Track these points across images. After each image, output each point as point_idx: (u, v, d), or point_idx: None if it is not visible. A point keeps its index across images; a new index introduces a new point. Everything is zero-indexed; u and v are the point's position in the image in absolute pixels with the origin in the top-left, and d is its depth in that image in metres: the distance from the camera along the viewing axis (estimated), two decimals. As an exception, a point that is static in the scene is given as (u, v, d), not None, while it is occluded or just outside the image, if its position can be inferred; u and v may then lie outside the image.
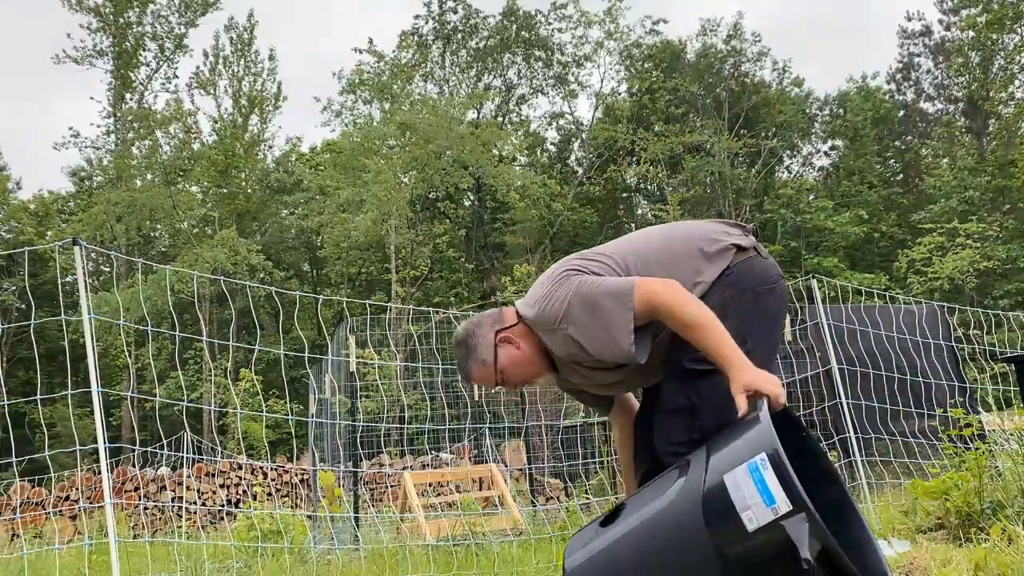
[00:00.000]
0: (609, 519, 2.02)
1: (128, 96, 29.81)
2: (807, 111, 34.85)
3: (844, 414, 5.48)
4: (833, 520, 1.84)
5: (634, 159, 32.81)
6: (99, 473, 8.55)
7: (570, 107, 35.59)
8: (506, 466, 11.01)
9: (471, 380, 2.46)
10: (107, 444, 3.87)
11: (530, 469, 8.90)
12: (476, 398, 10.42)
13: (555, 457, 10.78)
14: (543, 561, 4.66)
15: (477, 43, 32.64)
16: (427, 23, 31.91)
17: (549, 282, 2.33)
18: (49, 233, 32.19)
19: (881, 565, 1.86)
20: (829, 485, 2.00)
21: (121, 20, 29.00)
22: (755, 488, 1.67)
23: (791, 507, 1.62)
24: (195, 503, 10.31)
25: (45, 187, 41.56)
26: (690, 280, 2.24)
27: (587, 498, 6.93)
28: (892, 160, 35.21)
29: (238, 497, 11.66)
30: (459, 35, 32.32)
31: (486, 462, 10.22)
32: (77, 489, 10.87)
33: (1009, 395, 6.73)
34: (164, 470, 12.17)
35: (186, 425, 11.86)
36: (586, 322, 2.18)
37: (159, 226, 31.41)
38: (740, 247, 2.35)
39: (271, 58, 32.07)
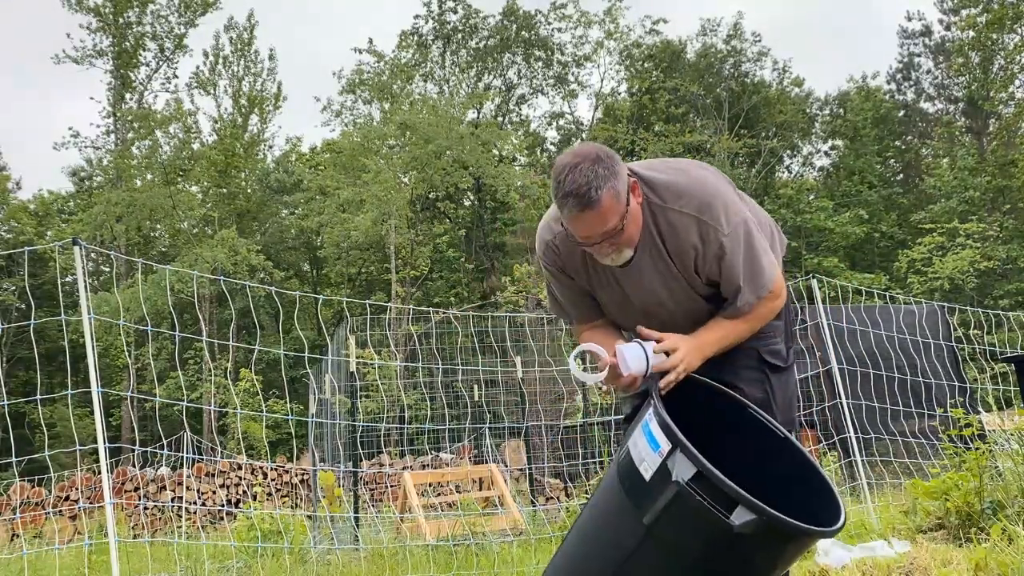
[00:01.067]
0: None
1: (128, 96, 29.82)
2: (807, 111, 34.85)
3: (844, 414, 5.48)
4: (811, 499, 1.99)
5: (634, 159, 32.74)
6: (99, 473, 8.55)
7: (570, 107, 35.63)
8: (506, 466, 11.01)
9: (595, 206, 1.95)
10: (107, 444, 3.87)
11: (530, 469, 8.89)
12: (476, 398, 10.43)
13: (555, 457, 10.78)
14: (543, 561, 4.66)
15: (477, 43, 32.65)
16: (427, 23, 31.95)
17: (716, 180, 2.15)
18: (49, 233, 32.21)
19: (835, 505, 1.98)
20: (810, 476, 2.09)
21: (121, 20, 29.00)
22: (646, 441, 1.85)
23: (671, 445, 1.79)
24: (195, 503, 10.30)
25: (45, 187, 41.52)
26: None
27: (587, 498, 6.92)
28: (892, 160, 35.22)
29: (238, 497, 11.65)
30: (459, 35, 32.33)
31: (486, 462, 10.22)
32: (77, 489, 10.86)
33: (1009, 395, 6.73)
34: (164, 470, 12.16)
35: (186, 425, 11.85)
36: (743, 249, 2.09)
37: (159, 226, 31.40)
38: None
39: (271, 58, 32.11)
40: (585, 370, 2.16)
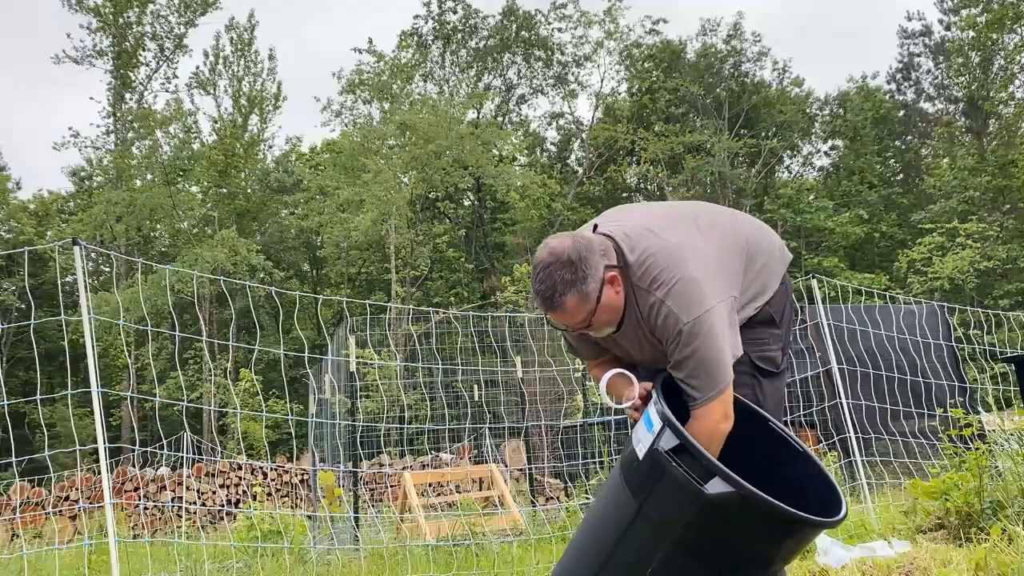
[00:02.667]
0: None
1: (128, 96, 29.82)
2: (807, 111, 34.85)
3: (844, 414, 5.48)
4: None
5: (634, 159, 32.82)
6: (99, 473, 8.55)
7: (570, 107, 35.65)
8: (506, 466, 11.01)
9: (558, 309, 2.08)
10: (107, 444, 3.87)
11: (530, 469, 8.90)
12: (476, 398, 10.43)
13: (555, 457, 10.78)
14: (543, 561, 4.66)
15: (477, 43, 32.65)
16: (427, 23, 31.93)
17: (697, 258, 2.13)
18: (49, 233, 32.21)
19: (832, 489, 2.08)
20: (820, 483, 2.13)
21: (121, 20, 29.00)
22: (644, 425, 2.00)
23: (662, 423, 1.93)
24: (195, 503, 10.30)
25: (45, 187, 41.65)
26: (774, 277, 2.37)
27: (587, 498, 6.91)
28: (892, 160, 35.23)
29: (238, 497, 11.65)
30: (459, 35, 32.33)
31: (486, 462, 10.22)
32: (77, 489, 10.86)
33: (1009, 395, 6.73)
34: (164, 470, 12.16)
35: (186, 425, 11.85)
36: (701, 344, 2.07)
37: (159, 226, 31.42)
38: None
39: (271, 58, 32.11)
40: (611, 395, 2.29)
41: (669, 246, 2.15)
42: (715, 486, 1.83)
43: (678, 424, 1.90)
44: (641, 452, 1.97)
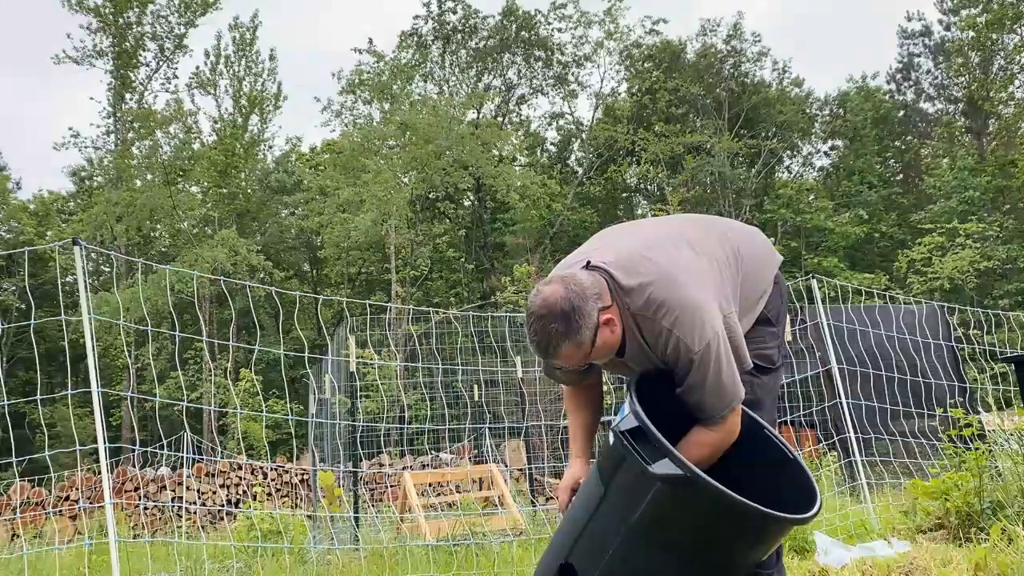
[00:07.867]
0: None
1: (128, 96, 29.82)
2: (807, 111, 34.83)
3: (844, 414, 5.48)
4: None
5: (634, 159, 32.80)
6: (99, 473, 8.55)
7: (570, 107, 35.61)
8: (506, 466, 11.01)
9: (555, 358, 2.14)
10: (107, 444, 3.88)
11: (530, 469, 8.90)
12: (476, 398, 10.44)
13: (555, 457, 10.78)
14: (543, 561, 4.64)
15: (477, 43, 32.64)
16: (427, 23, 31.93)
17: (693, 285, 2.16)
18: (49, 233, 32.19)
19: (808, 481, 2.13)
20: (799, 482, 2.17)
21: (121, 20, 29.01)
22: (619, 418, 2.05)
23: (629, 411, 2.00)
24: (195, 503, 10.30)
25: (45, 187, 41.61)
26: (767, 283, 2.44)
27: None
28: (892, 160, 35.20)
29: (238, 497, 11.65)
30: (458, 35, 32.32)
31: (486, 462, 10.22)
32: (77, 489, 10.86)
33: (1009, 395, 6.73)
34: (164, 470, 12.16)
35: (186, 425, 11.85)
36: (712, 368, 2.12)
37: (159, 226, 31.40)
38: None
39: (271, 58, 32.09)
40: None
41: (666, 271, 2.19)
42: (663, 467, 1.87)
43: (640, 410, 1.96)
44: (611, 439, 2.04)
